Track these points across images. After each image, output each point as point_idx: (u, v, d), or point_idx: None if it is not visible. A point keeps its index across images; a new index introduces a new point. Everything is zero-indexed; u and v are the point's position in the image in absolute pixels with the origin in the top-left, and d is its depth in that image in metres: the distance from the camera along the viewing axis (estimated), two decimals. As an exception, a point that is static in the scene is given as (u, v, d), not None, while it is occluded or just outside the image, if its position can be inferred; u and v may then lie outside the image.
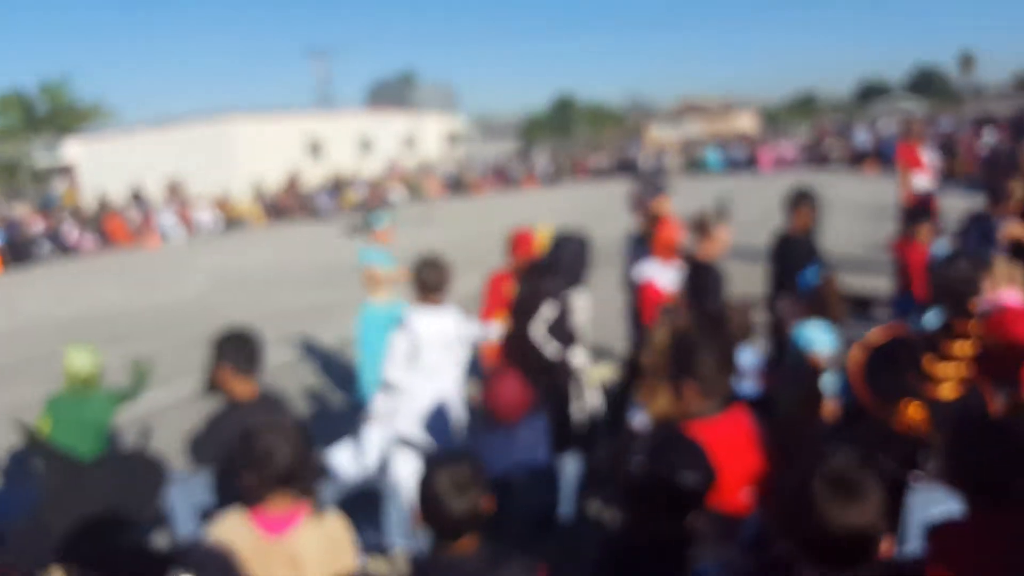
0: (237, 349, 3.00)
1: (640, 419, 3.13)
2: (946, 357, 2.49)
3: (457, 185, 32.67)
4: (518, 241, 4.91)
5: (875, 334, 2.94)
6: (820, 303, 3.79)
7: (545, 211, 22.06)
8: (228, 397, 3.02)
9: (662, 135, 45.96)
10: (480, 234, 18.04)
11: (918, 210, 5.65)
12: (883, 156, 22.63)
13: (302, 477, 2.31)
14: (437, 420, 3.83)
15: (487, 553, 2.02)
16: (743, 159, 29.33)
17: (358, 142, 34.87)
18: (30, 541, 1.62)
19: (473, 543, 2.05)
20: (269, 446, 2.25)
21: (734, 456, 2.60)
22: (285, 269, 14.96)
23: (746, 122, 46.84)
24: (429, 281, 3.95)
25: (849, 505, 1.70)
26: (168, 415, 6.21)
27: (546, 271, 4.50)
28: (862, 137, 26.95)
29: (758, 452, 2.71)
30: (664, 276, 4.55)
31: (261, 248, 19.63)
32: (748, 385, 3.77)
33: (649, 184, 5.40)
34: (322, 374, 7.52)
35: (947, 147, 21.19)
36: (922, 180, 8.36)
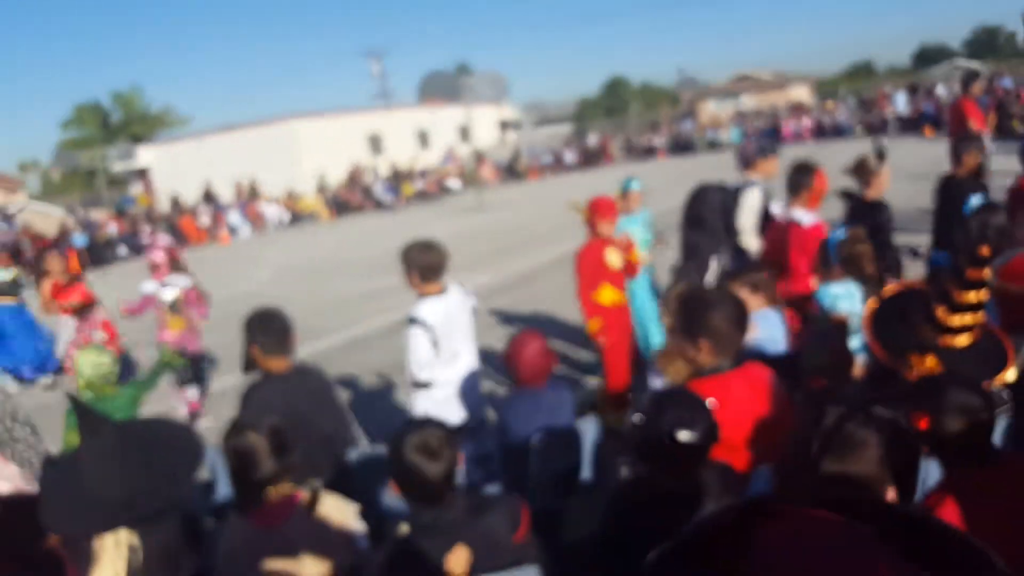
0: (264, 330, 3.08)
1: (659, 383, 3.11)
2: (959, 307, 2.37)
3: (511, 171, 32.66)
4: (603, 207, 4.76)
5: (890, 288, 2.84)
6: (850, 261, 3.64)
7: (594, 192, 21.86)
8: (264, 372, 3.12)
9: (717, 110, 44.80)
10: (534, 217, 18.05)
11: None
12: (937, 120, 21.66)
13: (286, 472, 2.27)
14: (466, 399, 3.77)
15: (470, 502, 2.04)
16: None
17: (415, 135, 35.16)
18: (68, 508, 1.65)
19: (454, 498, 2.06)
20: (246, 449, 2.24)
21: (747, 411, 2.55)
22: (345, 260, 15.26)
23: (802, 94, 45.18)
24: (429, 266, 3.65)
25: (845, 457, 1.68)
26: (229, 397, 6.47)
27: (695, 225, 4.61)
28: (902, 103, 26.27)
29: (774, 407, 2.65)
30: (807, 220, 4.44)
31: (324, 241, 20.07)
32: (777, 345, 3.67)
33: (761, 144, 5.61)
34: (373, 358, 7.67)
35: (1002, 106, 20.18)
36: (986, 140, 7.92)
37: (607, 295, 4.70)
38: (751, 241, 4.75)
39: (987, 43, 73.73)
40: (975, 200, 3.87)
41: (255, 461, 2.22)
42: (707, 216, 4.62)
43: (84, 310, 7.14)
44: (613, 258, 4.71)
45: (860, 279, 3.63)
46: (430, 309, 3.62)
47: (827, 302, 3.57)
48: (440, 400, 3.70)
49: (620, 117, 52.08)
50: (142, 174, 33.31)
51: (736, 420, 2.49)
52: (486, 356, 6.36)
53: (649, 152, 33.12)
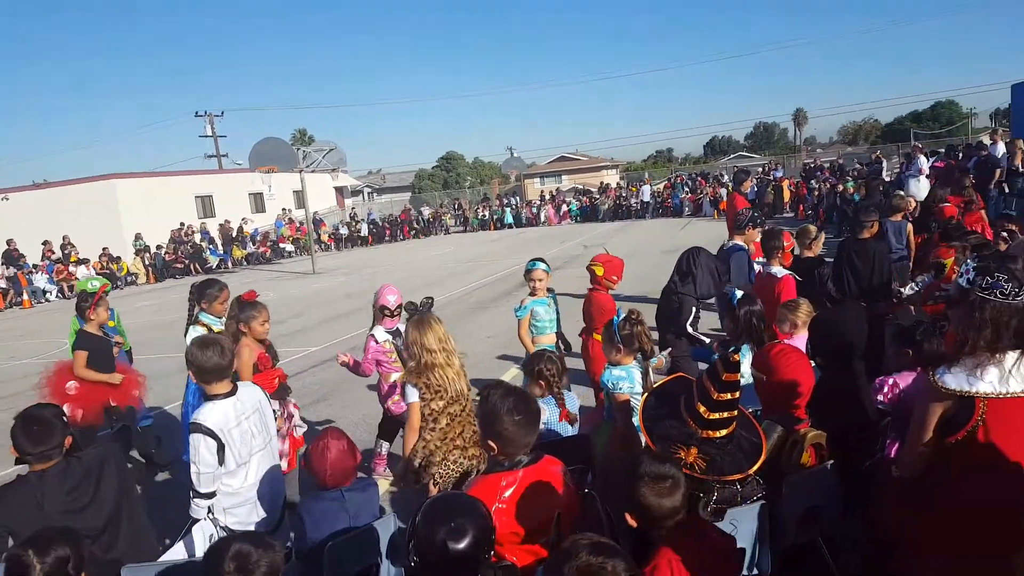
0: (24, 435, 2.79)
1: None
2: (717, 405, 2.52)
3: (346, 237, 32.12)
4: (617, 267, 5.30)
5: (663, 380, 2.98)
6: (629, 338, 3.81)
7: (427, 259, 22.04)
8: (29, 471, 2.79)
9: (541, 187, 47.38)
10: (366, 285, 17.70)
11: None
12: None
13: None
14: (262, 502, 3.43)
15: None
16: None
17: (249, 198, 33.71)
18: None
19: None
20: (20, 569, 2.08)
21: (536, 507, 2.55)
22: (162, 328, 14.03)
23: (612, 177, 48.74)
24: (203, 367, 3.22)
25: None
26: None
27: (684, 279, 5.45)
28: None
29: (562, 501, 2.66)
30: (780, 273, 5.58)
31: (142, 307, 18.39)
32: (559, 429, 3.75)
33: (752, 216, 6.84)
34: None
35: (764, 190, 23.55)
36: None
37: None
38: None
39: (765, 137, 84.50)
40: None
41: None
42: (696, 272, 5.45)
43: None
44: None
45: (640, 353, 3.83)
46: (214, 414, 3.20)
47: (610, 384, 3.70)
48: (232, 506, 3.31)
49: (454, 189, 53.36)
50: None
51: (527, 513, 2.49)
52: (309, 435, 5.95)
53: (482, 225, 34.14)
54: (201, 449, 3.12)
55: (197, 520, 3.22)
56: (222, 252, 27.31)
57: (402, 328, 4.78)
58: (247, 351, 4.49)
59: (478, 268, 18.51)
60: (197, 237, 27.69)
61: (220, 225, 29.25)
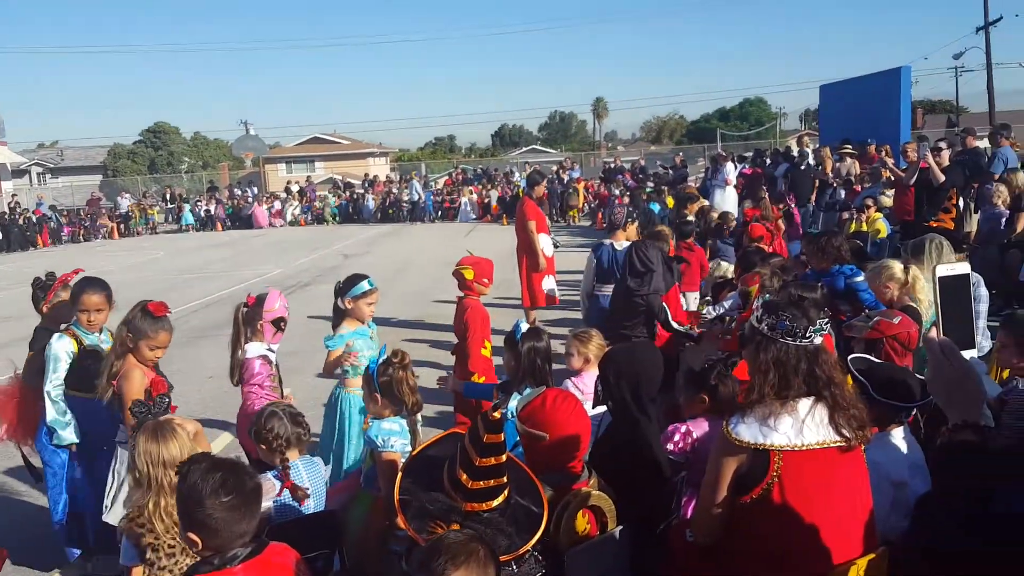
0: None
1: None
2: (480, 472, 2.58)
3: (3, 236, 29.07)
4: (488, 269, 5.76)
5: (428, 440, 3.01)
6: (388, 386, 3.78)
7: (122, 269, 20.42)
8: None
9: (287, 176, 46.45)
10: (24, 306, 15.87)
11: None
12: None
13: None
14: None
15: None
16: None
17: None
18: None
19: None
20: None
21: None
22: None
23: (380, 167, 48.91)
24: None
25: None
26: None
27: (644, 274, 6.34)
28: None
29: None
30: None
31: None
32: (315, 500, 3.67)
33: (631, 211, 8.01)
34: None
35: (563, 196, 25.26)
36: (547, 242, 9.53)
37: (487, 350, 5.64)
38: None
39: (561, 129, 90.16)
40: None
41: None
42: (654, 268, 6.34)
43: None
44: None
45: (398, 407, 3.81)
46: None
47: (379, 440, 3.64)
48: None
49: (166, 173, 50.79)
50: None
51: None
52: None
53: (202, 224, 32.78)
54: None
55: None
56: None
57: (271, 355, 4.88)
58: (138, 375, 4.23)
59: (199, 283, 17.58)
60: None
61: None
